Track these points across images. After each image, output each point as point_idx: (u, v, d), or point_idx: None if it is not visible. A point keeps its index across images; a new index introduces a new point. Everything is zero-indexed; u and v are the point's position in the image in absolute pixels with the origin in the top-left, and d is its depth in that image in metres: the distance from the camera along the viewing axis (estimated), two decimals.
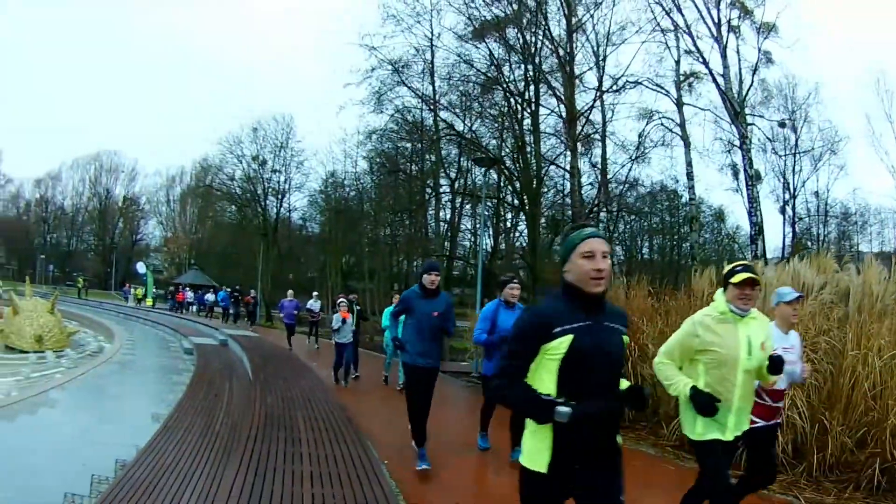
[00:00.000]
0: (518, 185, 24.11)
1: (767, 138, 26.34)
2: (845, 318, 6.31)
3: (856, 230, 33.27)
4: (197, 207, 55.45)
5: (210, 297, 34.89)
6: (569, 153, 23.29)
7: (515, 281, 6.17)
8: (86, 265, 61.52)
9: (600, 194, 23.81)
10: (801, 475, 5.47)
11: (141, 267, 49.89)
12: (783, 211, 28.85)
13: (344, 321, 11.20)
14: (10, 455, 6.39)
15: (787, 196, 28.57)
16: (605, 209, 23.87)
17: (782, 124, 27.51)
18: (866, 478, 5.13)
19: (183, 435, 6.57)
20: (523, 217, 25.38)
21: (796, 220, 29.38)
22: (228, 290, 32.09)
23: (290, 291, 19.65)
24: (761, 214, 22.90)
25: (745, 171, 22.27)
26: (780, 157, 27.82)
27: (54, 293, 21.38)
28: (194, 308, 37.02)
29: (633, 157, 24.38)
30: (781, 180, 28.62)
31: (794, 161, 28.47)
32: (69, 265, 60.19)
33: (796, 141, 28.15)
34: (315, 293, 18.97)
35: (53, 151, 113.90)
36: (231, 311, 30.16)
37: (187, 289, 40.05)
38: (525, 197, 23.20)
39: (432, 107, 25.12)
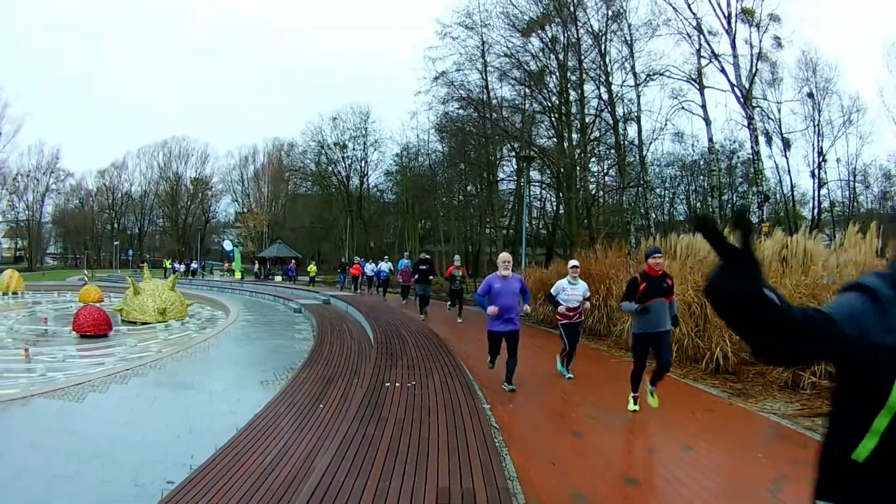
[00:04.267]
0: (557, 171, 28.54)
1: (769, 116, 30.04)
2: None
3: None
4: (272, 184, 61.54)
5: (385, 266, 26.73)
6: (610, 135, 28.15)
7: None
8: (161, 246, 67.67)
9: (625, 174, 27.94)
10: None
11: (227, 244, 55.68)
12: (813, 176, 32.76)
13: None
14: (232, 361, 11.54)
15: (815, 163, 32.56)
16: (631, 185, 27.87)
17: (810, 95, 31.28)
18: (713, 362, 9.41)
19: (329, 349, 11.77)
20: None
21: (823, 183, 33.34)
22: (420, 257, 19.85)
23: (504, 257, 8.34)
24: (786, 183, 27.52)
25: (752, 147, 25.99)
26: (786, 133, 31.56)
27: (174, 274, 26.42)
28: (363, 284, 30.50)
29: (654, 138, 28.66)
30: (814, 148, 32.64)
31: (817, 131, 32.19)
32: (140, 248, 65.47)
33: (819, 113, 31.92)
34: (573, 263, 9.38)
35: (117, 145, 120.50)
36: (417, 291, 18.34)
37: (361, 259, 33.09)
38: (562, 180, 27.63)
39: (486, 113, 29.79)
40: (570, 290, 8.81)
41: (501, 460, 4.97)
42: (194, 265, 51.91)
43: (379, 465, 4.67)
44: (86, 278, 39.44)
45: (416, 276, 17.96)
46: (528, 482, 4.59)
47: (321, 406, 7.42)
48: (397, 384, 7.73)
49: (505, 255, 8.38)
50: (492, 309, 7.72)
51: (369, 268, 29.37)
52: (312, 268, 40.35)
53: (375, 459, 4.81)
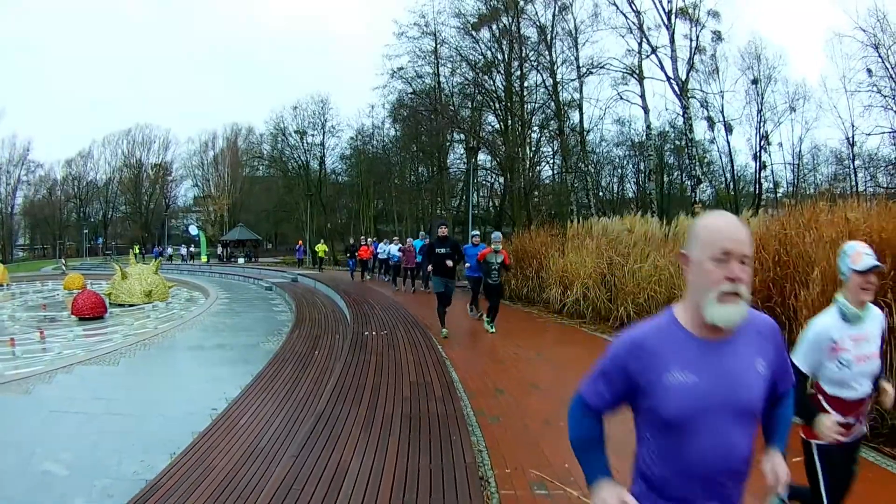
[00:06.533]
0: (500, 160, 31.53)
1: (703, 105, 33.02)
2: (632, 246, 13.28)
3: (847, 172, 36.83)
4: (231, 169, 63.51)
5: (395, 248, 21.95)
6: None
7: None
8: (123, 232, 69.07)
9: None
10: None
11: (193, 229, 57.07)
12: (755, 158, 36.16)
13: None
14: (227, 330, 13.99)
15: (757, 147, 35.98)
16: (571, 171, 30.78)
17: (755, 81, 34.58)
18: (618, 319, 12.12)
19: (309, 316, 14.29)
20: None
21: (765, 166, 36.64)
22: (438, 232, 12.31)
23: (723, 227, 1.69)
24: (734, 168, 32.67)
25: (686, 134, 28.90)
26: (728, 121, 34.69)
27: (157, 259, 28.43)
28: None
29: (592, 126, 31.89)
30: (757, 132, 35.89)
31: (760, 116, 35.35)
32: (105, 235, 67.25)
33: (762, 98, 35.05)
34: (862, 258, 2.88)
35: (84, 134, 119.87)
36: (434, 287, 11.70)
37: (374, 239, 28.30)
38: (506, 168, 30.57)
39: (439, 107, 32.53)
40: (855, 346, 2.83)
41: (449, 372, 7.58)
42: (193, 249, 53.34)
43: (372, 373, 7.28)
44: (63, 267, 40.79)
45: (432, 266, 11.26)
46: (465, 383, 7.17)
47: (316, 352, 9.94)
48: (374, 333, 10.29)
49: (725, 225, 1.64)
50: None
51: (382, 248, 24.04)
52: (322, 247, 33.49)
53: (369, 371, 7.42)
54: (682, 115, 29.33)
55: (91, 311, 18.62)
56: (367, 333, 10.29)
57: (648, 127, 30.75)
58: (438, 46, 32.60)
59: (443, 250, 11.04)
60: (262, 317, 17.25)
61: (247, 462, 5.33)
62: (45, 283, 32.80)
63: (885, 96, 30.12)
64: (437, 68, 33.41)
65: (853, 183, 34.29)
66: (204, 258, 49.29)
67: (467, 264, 12.81)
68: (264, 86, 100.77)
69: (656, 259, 12.16)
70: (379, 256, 24.49)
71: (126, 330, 16.33)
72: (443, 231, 11.66)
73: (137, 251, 49.99)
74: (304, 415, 6.42)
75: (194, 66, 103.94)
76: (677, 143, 39.48)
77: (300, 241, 41.41)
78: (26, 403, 8.74)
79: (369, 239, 26.88)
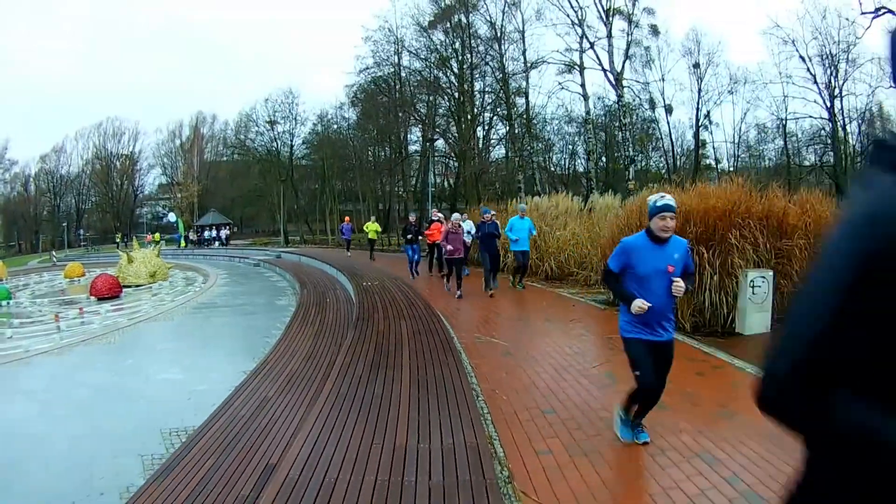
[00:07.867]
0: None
1: (632, 92, 37.45)
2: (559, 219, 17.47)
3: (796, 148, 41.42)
4: (199, 156, 66.30)
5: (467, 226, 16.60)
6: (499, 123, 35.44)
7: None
8: (95, 223, 71.14)
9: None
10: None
11: (172, 216, 59.78)
12: (695, 136, 40.95)
13: None
14: (241, 294, 17.64)
15: (697, 126, 40.90)
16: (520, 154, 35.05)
17: (696, 65, 39.08)
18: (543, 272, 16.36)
19: (309, 279, 18.04)
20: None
21: (704, 144, 41.51)
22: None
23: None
24: (677, 144, 38.17)
25: (620, 119, 33.17)
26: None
27: (158, 244, 31.45)
28: None
29: (534, 115, 36.23)
30: (697, 112, 40.73)
31: (699, 97, 40.16)
32: (79, 227, 68.84)
33: (701, 81, 39.95)
34: None
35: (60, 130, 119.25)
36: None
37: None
38: (459, 155, 34.97)
39: (403, 107, 36.88)
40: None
41: (437, 313, 11.40)
42: (206, 234, 55.05)
43: (384, 312, 11.14)
44: (53, 259, 43.22)
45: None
46: (451, 323, 11.06)
47: (327, 300, 13.89)
48: (371, 283, 14.27)
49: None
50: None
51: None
52: (373, 226, 26.60)
53: (381, 309, 11.33)
54: (618, 104, 33.67)
55: (109, 292, 20.90)
56: (366, 284, 14.23)
57: (588, 113, 35.02)
58: (399, 48, 36.84)
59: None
60: (264, 285, 20.91)
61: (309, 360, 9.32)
62: (41, 274, 33.56)
63: (799, 86, 35.20)
64: (400, 69, 37.62)
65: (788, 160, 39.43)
66: (182, 243, 52.30)
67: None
68: (228, 72, 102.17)
69: (574, 228, 16.38)
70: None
71: (149, 303, 19.14)
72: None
73: (120, 239, 53.05)
74: (341, 336, 10.30)
75: (159, 53, 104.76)
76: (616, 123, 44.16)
77: (347, 218, 32.24)
78: (111, 349, 11.84)
79: (436, 214, 18.89)
